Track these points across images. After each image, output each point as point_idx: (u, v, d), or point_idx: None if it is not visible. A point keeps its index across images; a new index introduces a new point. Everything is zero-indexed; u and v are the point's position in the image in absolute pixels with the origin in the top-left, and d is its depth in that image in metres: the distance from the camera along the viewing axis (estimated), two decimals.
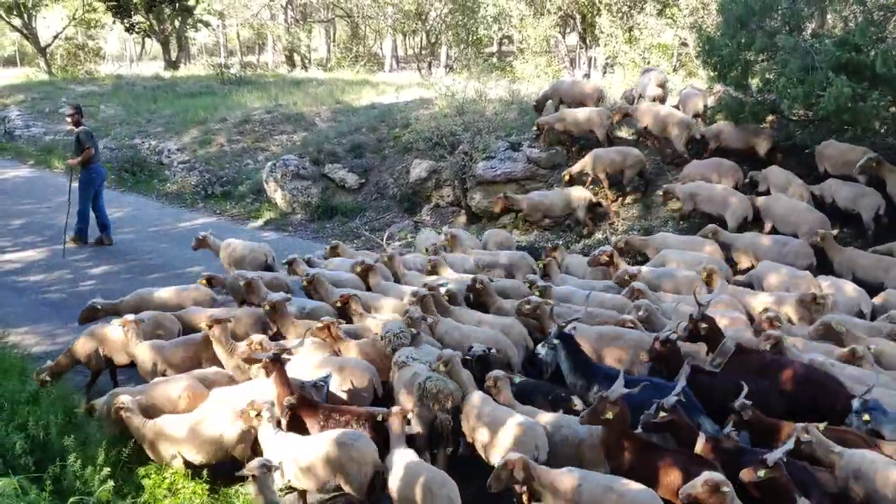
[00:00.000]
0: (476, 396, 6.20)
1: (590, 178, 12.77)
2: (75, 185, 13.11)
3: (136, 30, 32.00)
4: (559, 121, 13.56)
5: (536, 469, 5.12)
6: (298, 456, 5.69)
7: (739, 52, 11.31)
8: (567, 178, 12.71)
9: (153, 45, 39.34)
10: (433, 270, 9.64)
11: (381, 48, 37.72)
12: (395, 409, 5.90)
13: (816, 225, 9.93)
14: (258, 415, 5.82)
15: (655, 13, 20.15)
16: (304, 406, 6.06)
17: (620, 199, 12.71)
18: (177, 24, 33.68)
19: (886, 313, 7.95)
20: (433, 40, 32.80)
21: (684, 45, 19.24)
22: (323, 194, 15.57)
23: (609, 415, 5.35)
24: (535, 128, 14.04)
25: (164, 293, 8.85)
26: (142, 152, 19.17)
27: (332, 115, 19.27)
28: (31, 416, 6.57)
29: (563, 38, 24.49)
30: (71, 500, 5.42)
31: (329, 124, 18.56)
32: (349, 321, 8.20)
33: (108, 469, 5.77)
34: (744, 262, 9.91)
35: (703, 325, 6.79)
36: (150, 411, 6.58)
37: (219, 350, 7.18)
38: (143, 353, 7.39)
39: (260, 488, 5.28)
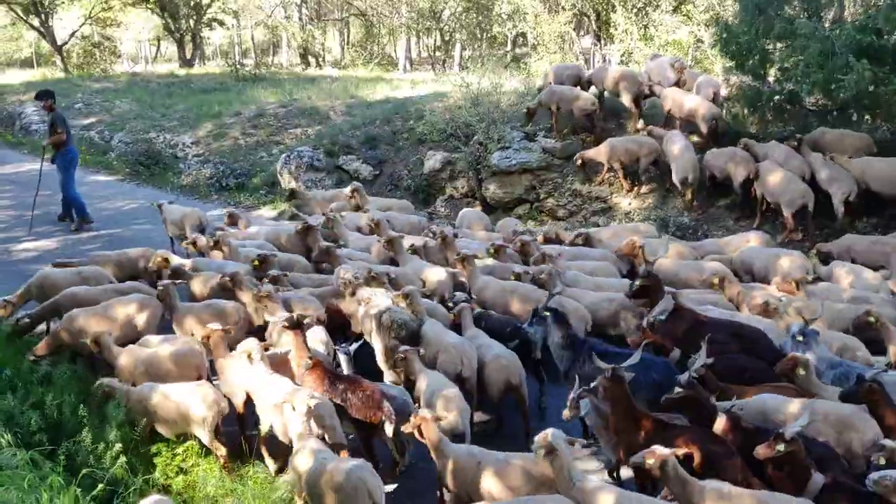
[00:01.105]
0: (427, 323, 6.96)
1: (605, 168, 12.69)
2: (47, 165, 13.97)
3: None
4: (548, 96, 13.65)
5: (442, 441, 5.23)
6: (277, 399, 5.76)
7: (757, 40, 11.23)
8: (579, 162, 12.65)
9: (168, 48, 39.57)
10: (376, 228, 10.20)
11: (395, 49, 37.68)
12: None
13: (797, 196, 10.14)
14: (250, 356, 6.14)
15: (670, 10, 20.04)
16: (316, 371, 6.12)
17: (636, 188, 12.61)
18: (192, 23, 33.88)
19: None
20: (447, 38, 32.76)
21: (699, 41, 19.10)
22: (337, 186, 15.50)
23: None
24: (525, 111, 14.12)
25: (60, 273, 8.85)
26: (156, 146, 19.21)
27: (346, 108, 19.24)
28: (44, 395, 6.58)
29: (578, 35, 24.37)
30: (83, 471, 5.40)
31: (343, 118, 18.53)
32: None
33: (120, 446, 5.76)
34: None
35: (648, 284, 7.46)
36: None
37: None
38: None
39: (308, 422, 5.43)
